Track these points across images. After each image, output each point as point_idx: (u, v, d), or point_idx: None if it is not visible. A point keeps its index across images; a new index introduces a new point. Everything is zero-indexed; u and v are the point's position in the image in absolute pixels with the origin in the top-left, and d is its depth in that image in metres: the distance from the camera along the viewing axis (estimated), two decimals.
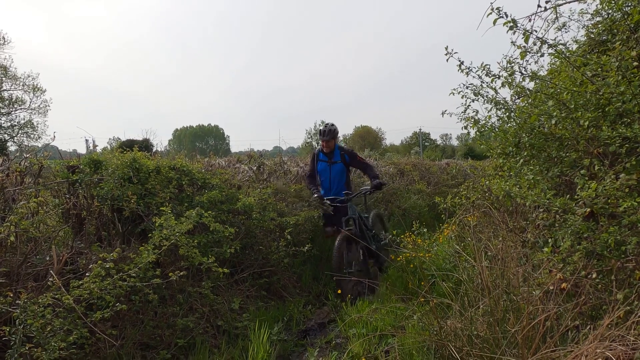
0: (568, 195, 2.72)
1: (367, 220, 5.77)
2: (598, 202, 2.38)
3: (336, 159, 5.70)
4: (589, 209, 2.43)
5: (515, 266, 2.97)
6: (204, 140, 74.86)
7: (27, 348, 2.54)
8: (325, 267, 6.00)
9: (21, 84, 29.09)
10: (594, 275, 2.34)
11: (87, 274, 3.05)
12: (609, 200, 2.35)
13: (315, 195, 5.61)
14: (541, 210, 3.02)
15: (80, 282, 2.95)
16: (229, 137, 78.22)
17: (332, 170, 5.70)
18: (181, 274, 3.36)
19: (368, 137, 60.54)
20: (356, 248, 5.25)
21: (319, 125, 64.69)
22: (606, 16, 3.72)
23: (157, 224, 3.55)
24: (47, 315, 2.67)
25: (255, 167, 7.52)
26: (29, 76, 29.26)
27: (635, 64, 2.76)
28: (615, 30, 3.39)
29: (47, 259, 3.43)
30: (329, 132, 5.62)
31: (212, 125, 78.13)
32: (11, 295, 2.78)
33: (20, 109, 29.48)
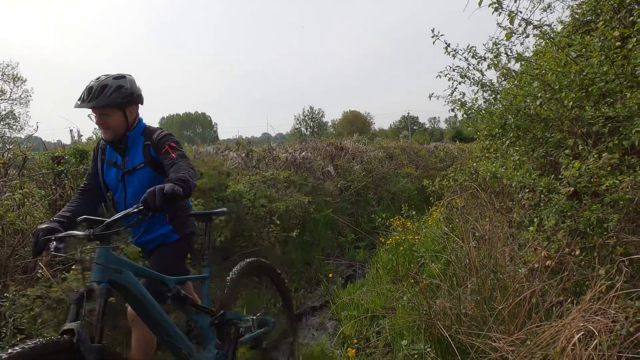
0: (553, 175, 2.76)
1: (187, 288, 2.60)
2: (581, 181, 2.43)
3: (135, 159, 2.46)
4: (572, 188, 2.48)
5: (502, 246, 3.04)
6: (191, 128, 74.06)
7: (18, 340, 2.53)
8: (317, 253, 6.06)
9: (0, 73, 28.36)
10: (577, 252, 2.40)
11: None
12: (592, 179, 2.40)
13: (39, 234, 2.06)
14: (527, 190, 3.07)
15: (68, 274, 2.94)
16: (216, 124, 77.41)
17: (129, 186, 2.47)
18: None
19: (357, 122, 60.43)
20: None
21: (307, 110, 64.49)
22: None
23: None
24: (36, 307, 2.66)
25: (244, 154, 7.50)
26: (8, 65, 28.55)
27: (617, 44, 2.79)
28: (599, 11, 3.41)
29: None
30: (97, 93, 2.26)
31: (200, 113, 77.26)
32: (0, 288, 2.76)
33: (1, 99, 28.81)
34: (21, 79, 29.06)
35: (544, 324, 2.17)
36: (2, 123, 29.12)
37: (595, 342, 1.79)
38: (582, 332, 1.85)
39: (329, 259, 6.18)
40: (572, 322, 1.94)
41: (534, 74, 3.19)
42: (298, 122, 64.43)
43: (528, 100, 3.29)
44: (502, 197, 3.84)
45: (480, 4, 3.07)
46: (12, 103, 29.24)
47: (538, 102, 3.13)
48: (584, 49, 3.00)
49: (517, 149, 3.43)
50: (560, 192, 2.55)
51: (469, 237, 3.24)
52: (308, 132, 60.48)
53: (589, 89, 2.82)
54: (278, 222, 5.02)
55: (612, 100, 2.74)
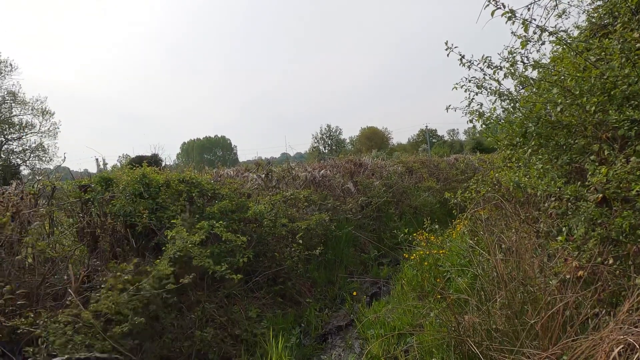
0: (579, 182, 2.69)
1: None
2: (610, 187, 2.35)
3: None
4: (601, 195, 2.40)
5: (530, 257, 2.94)
6: (211, 151, 75.36)
7: None
8: (340, 271, 6.01)
9: (30, 108, 29.64)
10: (610, 261, 2.30)
11: (103, 286, 3.10)
12: (621, 185, 2.32)
13: None
14: (553, 199, 2.99)
15: (98, 295, 3.00)
16: (236, 147, 78.55)
17: None
18: (192, 275, 3.35)
19: (375, 137, 60.37)
20: None
21: (325, 128, 64.92)
22: None
23: (169, 237, 3.59)
24: (68, 331, 2.71)
25: (263, 175, 7.57)
26: (37, 100, 29.82)
27: (638, 45, 2.73)
28: (617, 13, 3.36)
29: (65, 278, 3.48)
30: None
31: (219, 136, 78.67)
32: (32, 315, 2.83)
33: (31, 132, 30.03)
34: (49, 113, 30.30)
35: (580, 337, 2.07)
36: (32, 155, 30.29)
37: (636, 355, 1.70)
38: (622, 346, 1.76)
39: (353, 277, 6.11)
40: (610, 334, 1.85)
41: (553, 80, 3.14)
42: (316, 140, 64.81)
43: (548, 107, 3.23)
44: (528, 207, 3.74)
45: (492, 14, 3.07)
46: (42, 135, 30.43)
47: (559, 109, 3.08)
48: (603, 53, 2.95)
49: (540, 157, 3.36)
50: (588, 200, 2.48)
51: (495, 250, 3.16)
52: (326, 150, 60.71)
53: (612, 93, 2.76)
54: (300, 241, 5.01)
55: (636, 102, 2.67)
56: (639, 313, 1.86)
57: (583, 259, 2.41)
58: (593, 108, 2.84)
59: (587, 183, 2.54)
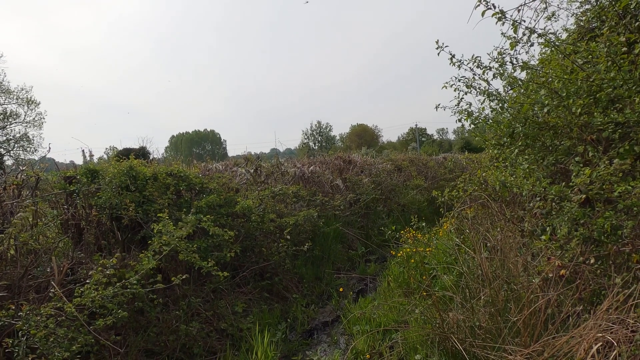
0: (564, 183, 2.73)
1: None
2: (593, 188, 2.40)
3: None
4: (584, 195, 2.45)
5: (515, 256, 2.99)
6: (200, 145, 74.76)
7: (30, 359, 2.54)
8: (327, 267, 6.03)
9: (15, 97, 29.03)
10: (592, 261, 2.35)
11: (87, 281, 3.06)
12: (604, 186, 2.37)
13: None
14: (538, 199, 3.04)
15: (82, 289, 2.96)
16: (225, 141, 78.09)
17: None
18: (184, 277, 3.37)
19: (365, 135, 60.53)
20: None
21: (315, 125, 64.91)
22: (594, 3, 3.75)
23: (155, 230, 3.56)
24: (50, 325, 2.67)
25: (252, 170, 7.54)
26: (22, 89, 29.22)
27: (624, 49, 2.78)
28: (604, 17, 3.41)
29: (48, 270, 3.43)
30: None
31: (209, 130, 78.00)
32: (13, 307, 2.78)
33: (15, 122, 29.45)
34: (35, 102, 29.73)
35: (561, 335, 2.11)
36: (16, 145, 29.71)
37: (614, 352, 1.74)
38: (601, 343, 1.80)
39: (340, 273, 6.13)
40: (589, 332, 1.89)
41: (541, 82, 3.18)
42: (306, 136, 64.72)
43: (536, 108, 3.28)
44: (513, 207, 3.79)
45: (483, 14, 3.09)
46: (26, 126, 29.86)
47: (546, 110, 3.12)
48: (590, 56, 3.00)
49: (527, 157, 3.41)
50: (572, 200, 2.52)
51: (480, 248, 3.20)
52: (316, 147, 60.69)
53: (597, 95, 2.80)
54: (288, 237, 5.01)
55: (621, 105, 2.72)
56: (618, 311, 1.90)
57: (565, 258, 2.46)
58: (579, 110, 2.88)
59: (571, 184, 2.58)
